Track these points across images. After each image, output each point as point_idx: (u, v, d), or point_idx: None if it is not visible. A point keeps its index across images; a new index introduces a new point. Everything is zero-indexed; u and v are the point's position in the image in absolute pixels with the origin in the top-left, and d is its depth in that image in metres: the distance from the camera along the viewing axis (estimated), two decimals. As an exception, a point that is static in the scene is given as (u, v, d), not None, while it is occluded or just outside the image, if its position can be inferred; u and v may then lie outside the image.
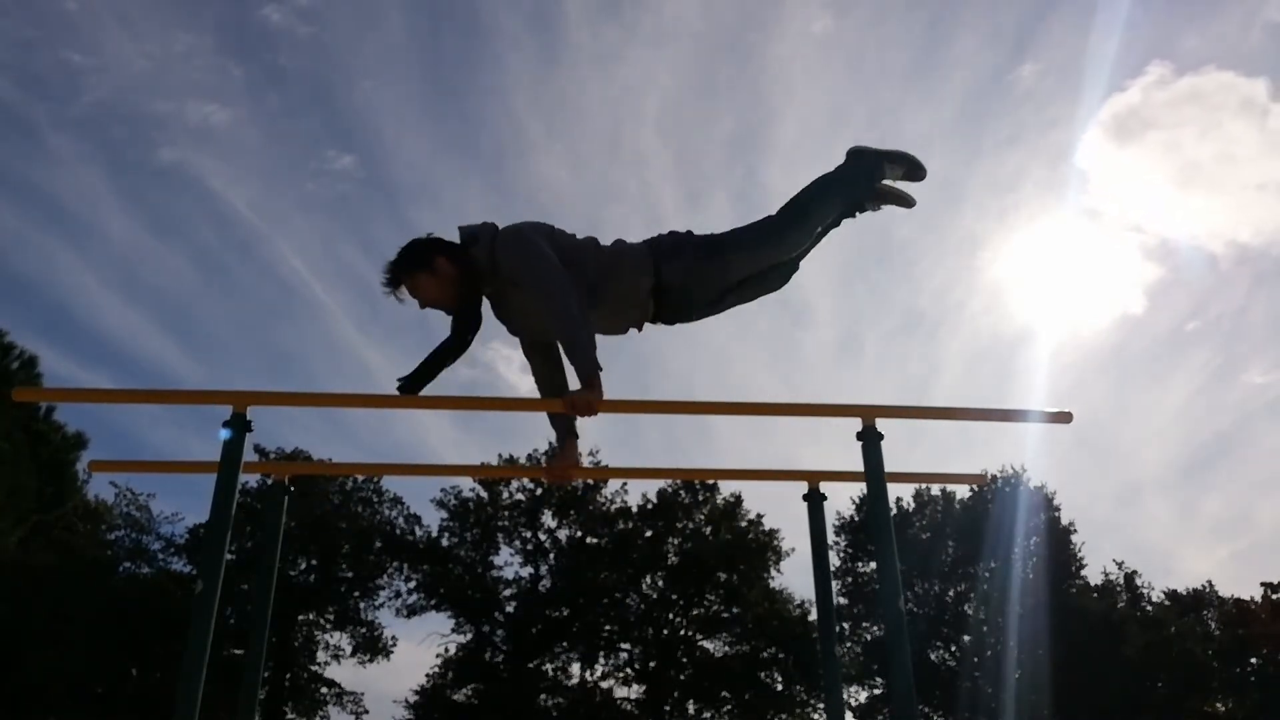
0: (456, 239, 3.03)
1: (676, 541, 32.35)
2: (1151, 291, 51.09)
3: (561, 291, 2.79)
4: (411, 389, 2.90)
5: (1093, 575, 32.75)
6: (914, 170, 3.23)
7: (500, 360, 45.45)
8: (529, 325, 3.08)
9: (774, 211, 3.10)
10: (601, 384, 2.77)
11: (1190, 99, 47.39)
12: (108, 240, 46.57)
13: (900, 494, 32.69)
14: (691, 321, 3.16)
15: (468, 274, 2.95)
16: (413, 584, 31.85)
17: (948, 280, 54.95)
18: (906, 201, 3.25)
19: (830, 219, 3.15)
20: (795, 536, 33.38)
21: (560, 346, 3.05)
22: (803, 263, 3.19)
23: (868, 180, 3.15)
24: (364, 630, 31.45)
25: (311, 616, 30.91)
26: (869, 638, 31.23)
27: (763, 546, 32.44)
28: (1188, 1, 48.61)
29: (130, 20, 46.62)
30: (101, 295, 45.57)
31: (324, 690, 30.80)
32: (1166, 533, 48.45)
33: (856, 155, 3.17)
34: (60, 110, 45.04)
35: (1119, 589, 32.73)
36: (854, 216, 3.20)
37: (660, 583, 32.15)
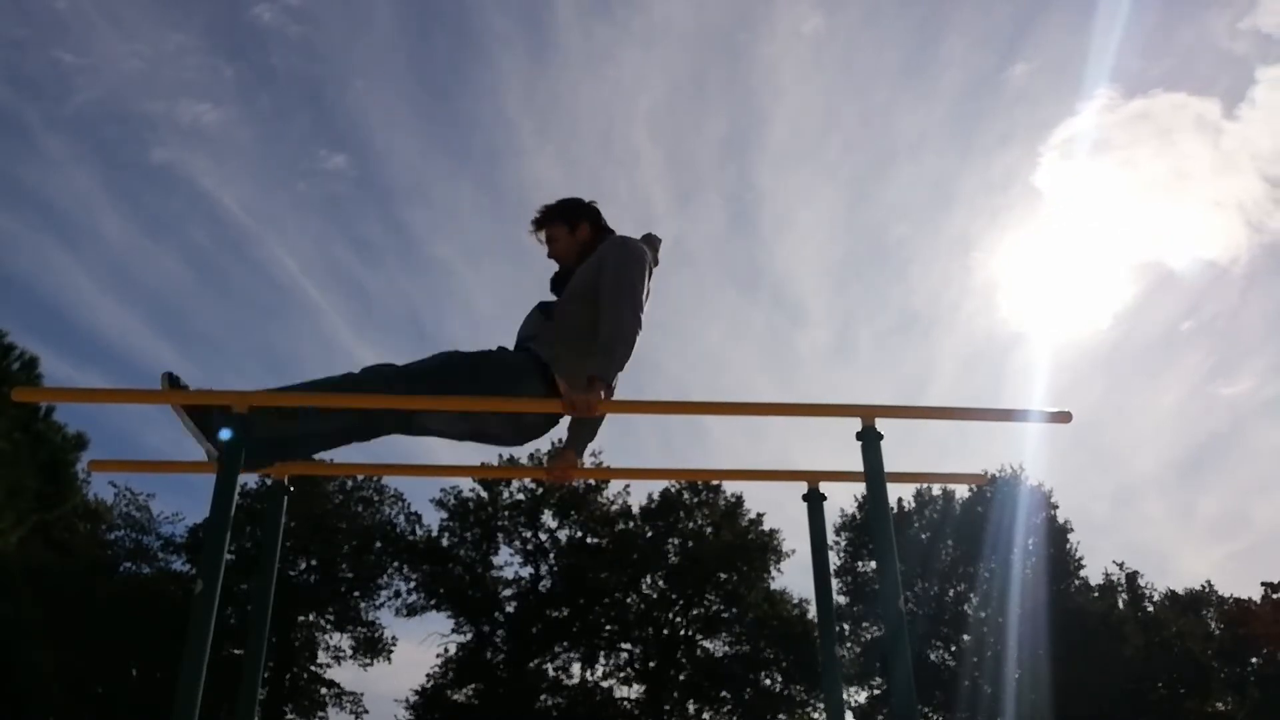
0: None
1: (677, 542, 32.36)
2: (1137, 298, 51.32)
3: (639, 300, 2.84)
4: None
5: (1091, 575, 32.84)
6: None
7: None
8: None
9: None
10: (605, 393, 2.75)
11: (1141, 118, 47.84)
12: (101, 241, 46.57)
13: (900, 494, 32.77)
14: None
15: (593, 243, 3.10)
16: (413, 584, 31.90)
17: (941, 281, 54.98)
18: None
19: None
20: (795, 537, 33.43)
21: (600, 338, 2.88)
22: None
23: None
24: (364, 631, 31.48)
25: (311, 617, 30.91)
26: (869, 638, 31.23)
27: (763, 547, 32.46)
28: (1130, 25, 48.70)
29: (120, 20, 46.51)
30: (95, 296, 45.58)
31: (324, 690, 30.82)
32: (1163, 533, 48.55)
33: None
34: (52, 110, 45.01)
35: (1119, 589, 32.76)
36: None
37: (660, 583, 32.17)
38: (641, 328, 2.82)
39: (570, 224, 3.15)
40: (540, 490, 31.99)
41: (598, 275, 2.90)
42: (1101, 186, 51.40)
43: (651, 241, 3.16)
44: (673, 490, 32.37)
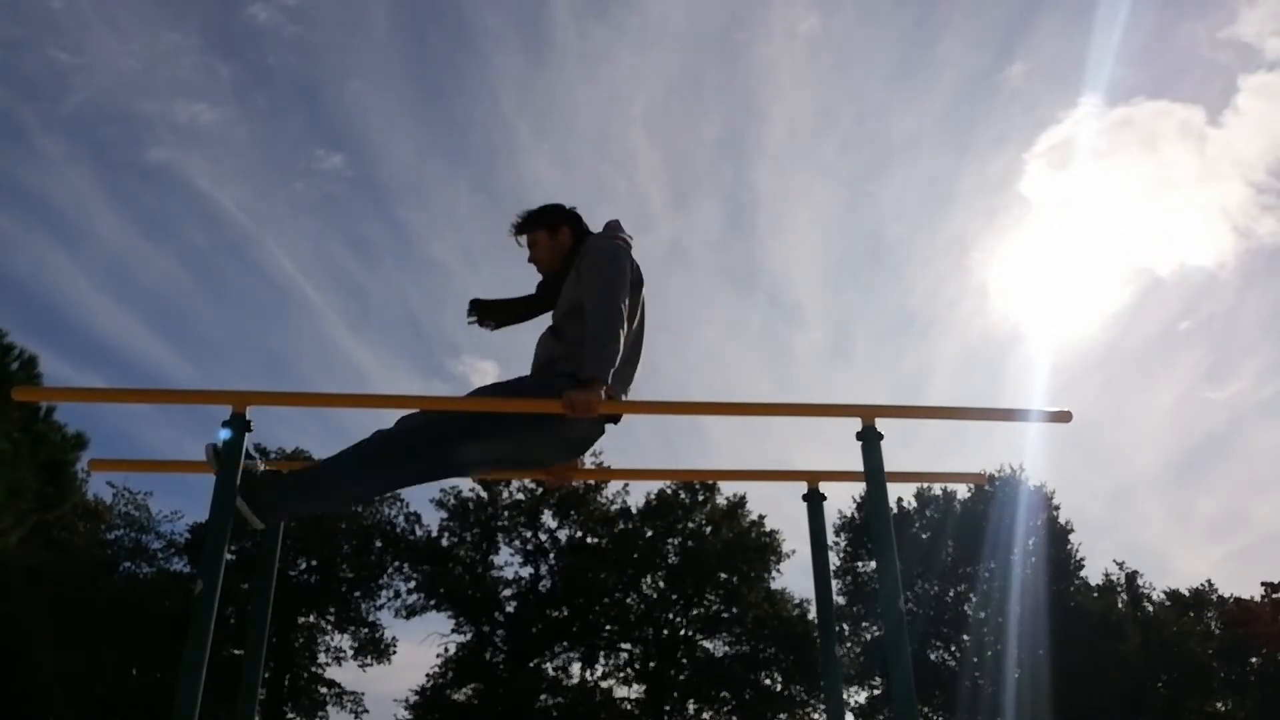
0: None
1: (676, 542, 32.36)
2: (1132, 300, 51.45)
3: (620, 296, 2.81)
4: (483, 314, 3.10)
5: (1091, 575, 32.84)
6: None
7: (474, 373, 45.58)
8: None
9: None
10: (602, 391, 2.75)
11: (1125, 125, 48.03)
12: (98, 241, 46.59)
13: (900, 494, 32.77)
14: None
15: (574, 249, 3.10)
16: (413, 584, 31.90)
17: (938, 281, 55.03)
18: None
19: None
20: (795, 537, 33.44)
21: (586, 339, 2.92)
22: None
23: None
24: (365, 631, 31.48)
25: (312, 618, 30.91)
26: (869, 638, 31.23)
27: (763, 547, 32.46)
28: (1110, 34, 48.82)
29: (116, 19, 46.55)
30: (93, 296, 45.61)
31: (324, 690, 30.83)
32: (1161, 533, 48.52)
33: None
34: (48, 110, 45.01)
35: (1119, 589, 32.75)
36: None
37: (660, 583, 32.16)
38: (625, 323, 2.80)
39: (551, 229, 3.14)
40: (540, 490, 31.97)
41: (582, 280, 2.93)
42: (1090, 192, 51.65)
43: (612, 228, 3.12)
44: (668, 491, 32.37)
